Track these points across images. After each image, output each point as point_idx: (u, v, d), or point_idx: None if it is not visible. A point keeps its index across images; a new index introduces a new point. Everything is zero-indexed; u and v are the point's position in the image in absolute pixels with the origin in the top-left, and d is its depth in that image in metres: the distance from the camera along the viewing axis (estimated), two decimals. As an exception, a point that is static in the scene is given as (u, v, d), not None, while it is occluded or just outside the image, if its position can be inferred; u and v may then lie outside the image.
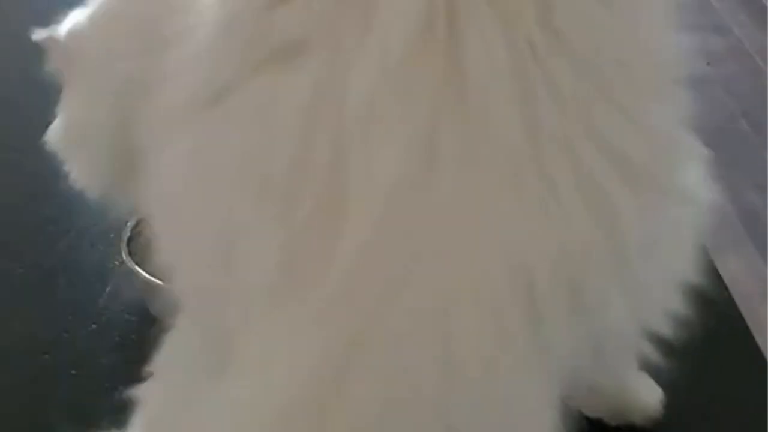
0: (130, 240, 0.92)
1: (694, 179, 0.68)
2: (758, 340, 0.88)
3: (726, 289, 0.93)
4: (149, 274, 0.89)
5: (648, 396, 0.80)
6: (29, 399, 0.84)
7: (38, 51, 0.81)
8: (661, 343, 0.88)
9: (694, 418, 0.81)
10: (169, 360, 0.67)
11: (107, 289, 0.94)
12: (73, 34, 0.78)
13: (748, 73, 3.22)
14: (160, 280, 0.89)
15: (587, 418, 0.79)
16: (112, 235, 1.00)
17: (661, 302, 0.66)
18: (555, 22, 0.54)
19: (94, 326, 0.90)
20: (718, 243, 2.49)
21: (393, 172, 0.53)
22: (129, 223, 0.94)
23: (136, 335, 0.89)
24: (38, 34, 0.81)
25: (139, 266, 0.89)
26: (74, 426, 0.80)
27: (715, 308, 0.91)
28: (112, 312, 0.91)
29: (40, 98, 0.76)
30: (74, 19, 0.79)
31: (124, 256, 0.90)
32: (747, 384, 0.84)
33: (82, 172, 0.81)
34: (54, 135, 0.81)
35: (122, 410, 0.82)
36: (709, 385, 0.84)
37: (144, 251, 0.92)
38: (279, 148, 0.55)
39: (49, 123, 0.83)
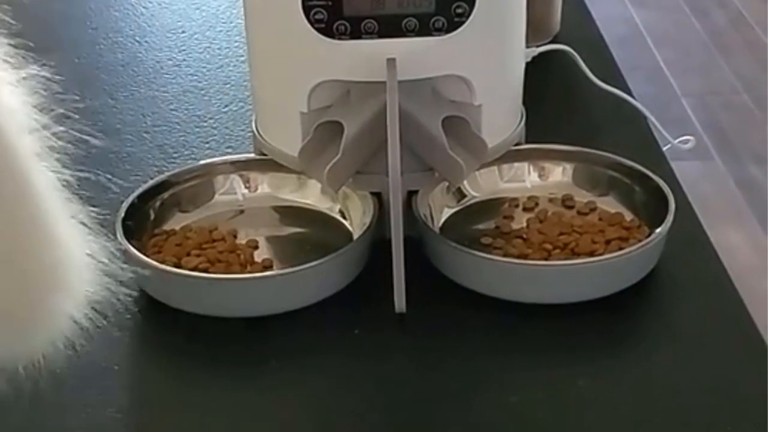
0: (124, 220, 0.92)
1: None
2: (756, 315, 0.88)
3: (721, 263, 0.93)
4: (144, 253, 0.89)
5: None
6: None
7: None
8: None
9: (687, 397, 0.81)
10: None
11: (103, 270, 0.94)
12: None
13: (749, 46, 3.21)
14: (155, 260, 0.90)
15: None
16: (108, 215, 1.00)
17: None
18: None
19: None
20: (719, 216, 2.49)
21: None
22: (124, 203, 0.94)
23: (132, 315, 0.89)
24: None
25: (133, 246, 0.89)
26: (72, 407, 0.80)
27: (710, 283, 0.92)
28: (108, 291, 0.91)
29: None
30: None
31: (120, 236, 0.90)
32: (743, 363, 0.84)
33: None
34: None
35: (119, 390, 0.83)
36: (703, 364, 0.84)
37: (139, 231, 0.93)
38: None
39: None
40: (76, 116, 1.21)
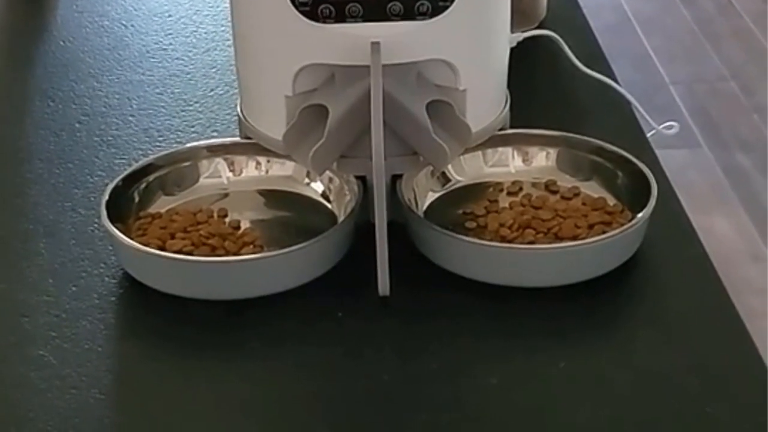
0: (109, 203, 0.92)
1: None
2: (740, 301, 0.89)
3: (702, 247, 0.93)
4: (128, 236, 0.90)
5: None
6: (10, 363, 0.84)
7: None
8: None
9: (668, 380, 0.81)
10: None
11: (87, 252, 0.94)
12: None
13: (737, 34, 3.21)
14: (139, 242, 0.90)
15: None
16: (92, 198, 1.00)
17: None
18: None
19: (74, 289, 0.90)
20: (706, 202, 2.50)
21: None
22: (109, 186, 0.94)
23: (116, 297, 0.89)
24: None
25: (117, 229, 0.90)
26: (56, 389, 0.81)
27: (691, 267, 0.92)
28: (92, 275, 0.91)
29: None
30: None
31: (104, 219, 0.91)
32: (724, 347, 0.84)
33: None
34: None
35: (103, 372, 0.83)
36: (684, 347, 0.84)
37: (123, 214, 0.93)
38: None
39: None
40: (62, 99, 1.22)
